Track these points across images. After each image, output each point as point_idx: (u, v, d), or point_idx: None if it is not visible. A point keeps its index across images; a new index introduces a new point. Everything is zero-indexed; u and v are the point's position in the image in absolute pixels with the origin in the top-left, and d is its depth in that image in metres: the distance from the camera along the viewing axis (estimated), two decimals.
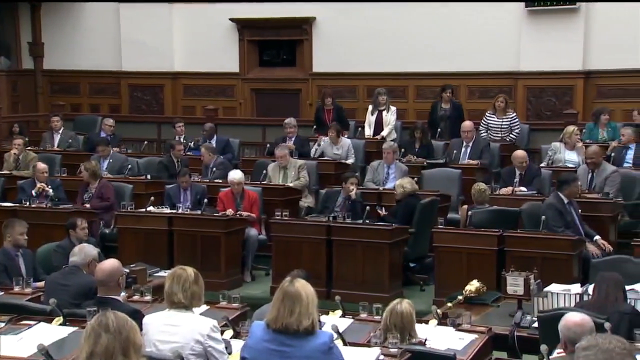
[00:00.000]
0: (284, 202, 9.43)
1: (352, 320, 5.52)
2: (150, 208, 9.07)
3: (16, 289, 6.41)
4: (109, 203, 9.57)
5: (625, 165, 9.72)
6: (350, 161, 10.82)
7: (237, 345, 4.62)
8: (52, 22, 14.87)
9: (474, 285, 6.47)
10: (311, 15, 13.32)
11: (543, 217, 7.62)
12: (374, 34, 12.90)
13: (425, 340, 5.04)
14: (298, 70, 13.74)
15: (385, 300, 6.02)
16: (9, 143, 11.87)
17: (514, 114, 11.21)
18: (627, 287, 5.64)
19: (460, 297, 6.39)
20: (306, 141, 11.34)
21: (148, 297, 6.08)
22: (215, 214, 8.94)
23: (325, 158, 10.86)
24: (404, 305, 4.99)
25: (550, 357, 4.41)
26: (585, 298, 5.81)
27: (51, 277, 6.28)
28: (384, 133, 11.37)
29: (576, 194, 8.11)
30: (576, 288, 6.11)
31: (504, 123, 11.06)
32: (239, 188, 9.23)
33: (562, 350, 4.36)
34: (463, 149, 10.47)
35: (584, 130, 10.73)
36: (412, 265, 8.74)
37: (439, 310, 5.65)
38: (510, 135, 11.07)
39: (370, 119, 11.61)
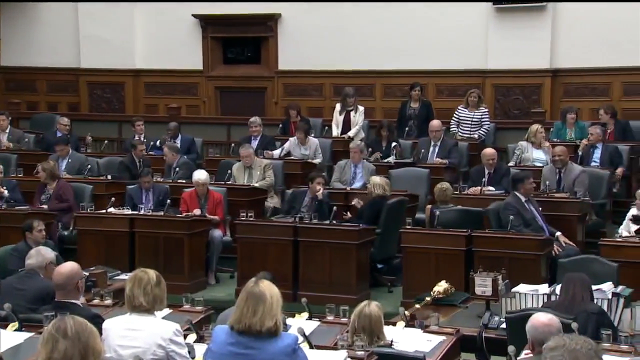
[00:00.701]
0: (249, 203, 9.30)
1: (318, 322, 5.48)
2: (111, 209, 8.91)
3: None
4: (67, 204, 9.39)
5: (593, 164, 9.77)
6: (317, 161, 10.73)
7: (201, 349, 4.55)
8: (8, 18, 14.52)
9: (442, 286, 6.47)
10: (276, 12, 13.17)
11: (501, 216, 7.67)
12: (341, 31, 12.79)
13: (392, 342, 5.01)
14: (263, 68, 13.57)
15: (353, 302, 6.01)
16: None
17: (486, 110, 11.19)
18: (594, 287, 5.66)
19: (428, 299, 6.38)
20: (272, 140, 11.21)
21: (108, 301, 6.01)
22: (178, 215, 8.80)
23: (292, 157, 10.74)
24: (372, 307, 4.97)
25: (518, 358, 4.41)
26: (553, 298, 5.82)
27: (6, 281, 6.17)
28: (350, 133, 11.29)
29: (531, 191, 8.17)
30: (544, 288, 6.12)
31: (475, 117, 11.03)
32: (204, 189, 9.09)
33: (529, 351, 4.37)
34: (431, 148, 10.43)
35: (552, 130, 10.78)
36: (379, 266, 8.70)
37: (406, 312, 5.63)
38: (480, 130, 11.04)
39: (338, 118, 11.53)
